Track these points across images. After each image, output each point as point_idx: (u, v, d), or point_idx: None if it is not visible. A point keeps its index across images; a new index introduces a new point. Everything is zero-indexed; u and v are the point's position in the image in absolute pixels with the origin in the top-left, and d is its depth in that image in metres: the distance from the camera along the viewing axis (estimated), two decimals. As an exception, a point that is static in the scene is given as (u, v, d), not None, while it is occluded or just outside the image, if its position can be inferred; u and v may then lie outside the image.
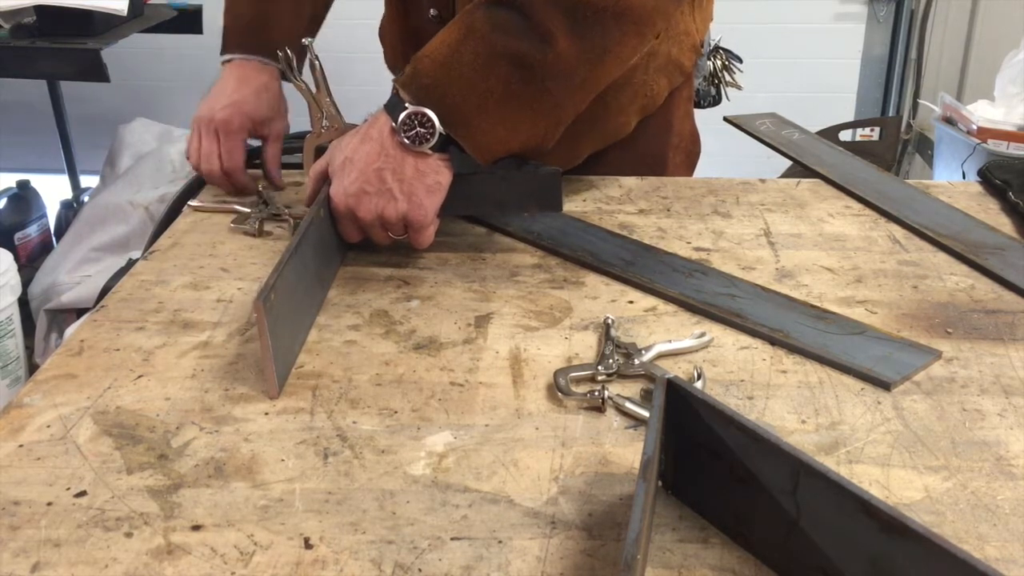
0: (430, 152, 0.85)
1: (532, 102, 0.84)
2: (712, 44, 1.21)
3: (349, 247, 0.95)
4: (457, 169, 0.93)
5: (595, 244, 0.94)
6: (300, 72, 1.01)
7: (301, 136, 1.10)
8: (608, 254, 0.92)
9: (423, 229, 0.88)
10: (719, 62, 1.22)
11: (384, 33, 1.24)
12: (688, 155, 1.21)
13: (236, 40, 1.08)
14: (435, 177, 0.86)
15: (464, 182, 0.93)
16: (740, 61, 1.23)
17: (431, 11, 1.05)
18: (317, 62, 0.94)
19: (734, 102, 1.25)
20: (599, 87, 0.88)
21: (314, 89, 0.96)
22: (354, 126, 0.98)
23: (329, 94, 0.96)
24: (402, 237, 0.89)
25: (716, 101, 1.26)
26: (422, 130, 0.84)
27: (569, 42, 0.82)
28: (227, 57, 1.08)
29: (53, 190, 2.99)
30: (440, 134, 0.84)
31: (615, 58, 0.86)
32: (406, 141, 0.84)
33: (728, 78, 1.24)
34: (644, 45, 0.88)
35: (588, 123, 1.02)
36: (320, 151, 1.00)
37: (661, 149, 1.17)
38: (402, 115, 0.84)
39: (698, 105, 1.23)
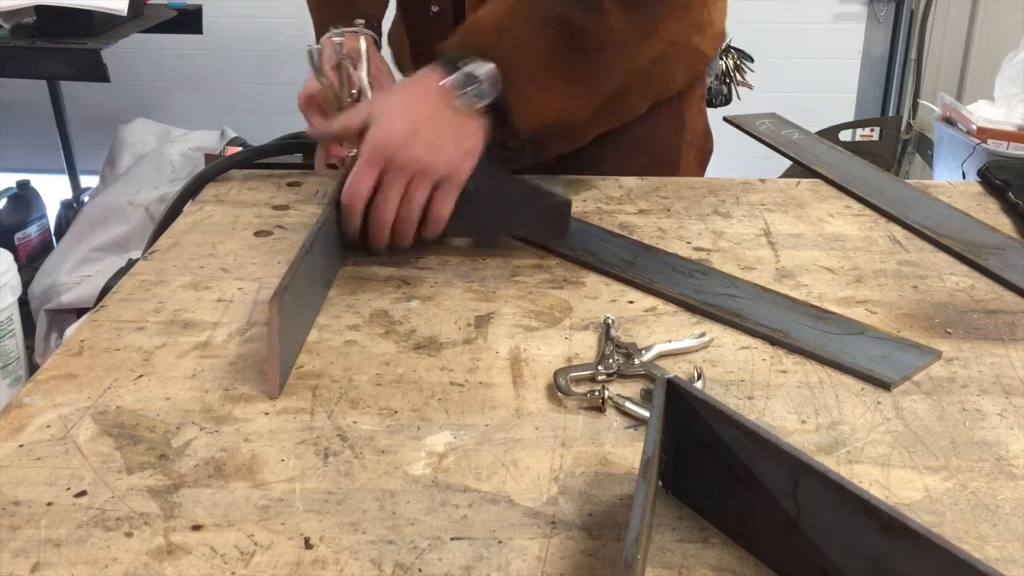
0: (475, 115, 0.85)
1: (575, 71, 0.85)
2: (725, 43, 1.22)
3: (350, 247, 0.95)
4: (469, 188, 0.92)
5: (595, 244, 0.94)
6: (360, 64, 0.99)
7: (299, 136, 1.09)
8: (608, 254, 0.92)
9: (450, 192, 0.86)
10: (731, 61, 1.23)
11: (392, 35, 1.24)
12: (701, 153, 1.22)
13: (333, 20, 1.07)
14: (473, 141, 0.86)
15: (474, 202, 0.91)
16: (751, 60, 1.23)
17: (432, 7, 1.05)
18: (345, 61, 0.94)
19: (733, 102, 1.26)
20: (638, 65, 0.90)
21: (337, 87, 0.96)
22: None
23: (350, 95, 0.96)
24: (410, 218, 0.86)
25: (727, 100, 1.27)
26: (476, 90, 0.84)
27: (620, 14, 0.83)
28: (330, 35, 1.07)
29: (53, 190, 2.99)
30: (491, 100, 0.84)
31: (659, 36, 0.88)
32: (457, 101, 0.84)
33: (740, 77, 1.24)
34: (677, 29, 0.89)
35: (606, 102, 1.03)
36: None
37: (674, 146, 1.17)
38: (457, 74, 0.84)
39: (710, 104, 1.24)
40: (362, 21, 1.00)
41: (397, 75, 1.25)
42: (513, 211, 0.92)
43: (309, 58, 0.95)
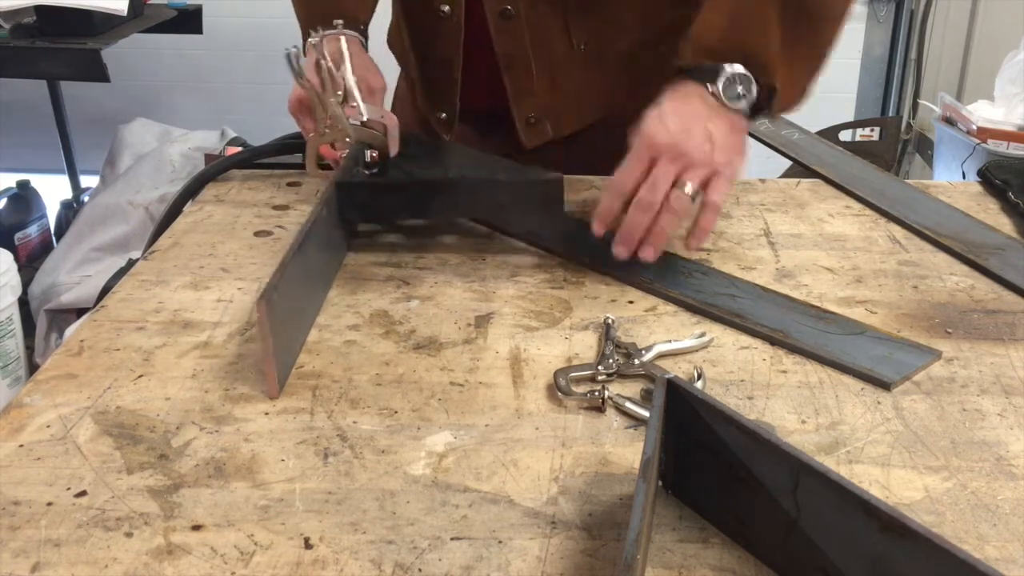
0: (744, 112, 0.86)
1: (807, 39, 0.88)
2: None
3: (349, 247, 0.95)
4: (461, 172, 0.92)
5: (595, 244, 0.94)
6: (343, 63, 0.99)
7: (298, 136, 1.10)
8: (608, 254, 0.92)
9: (722, 185, 0.85)
10: None
11: (393, 40, 1.24)
12: None
13: (316, 20, 1.07)
14: (741, 137, 0.87)
15: (467, 185, 0.93)
16: None
17: (443, 8, 1.05)
18: (324, 62, 0.94)
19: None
20: (849, 11, 0.92)
21: (319, 89, 0.95)
22: (356, 127, 0.97)
23: (334, 95, 0.96)
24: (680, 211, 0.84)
25: None
26: (740, 88, 0.86)
27: None
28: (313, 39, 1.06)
29: (53, 190, 2.99)
30: (757, 91, 0.86)
31: None
32: (727, 102, 0.86)
33: None
34: None
35: (615, 78, 1.07)
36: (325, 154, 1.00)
37: None
38: (723, 77, 0.85)
39: None
40: (340, 22, 1.00)
41: (394, 75, 1.25)
42: (507, 191, 0.92)
43: (287, 61, 0.95)
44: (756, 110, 0.88)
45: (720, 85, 0.86)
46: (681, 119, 0.85)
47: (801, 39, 0.88)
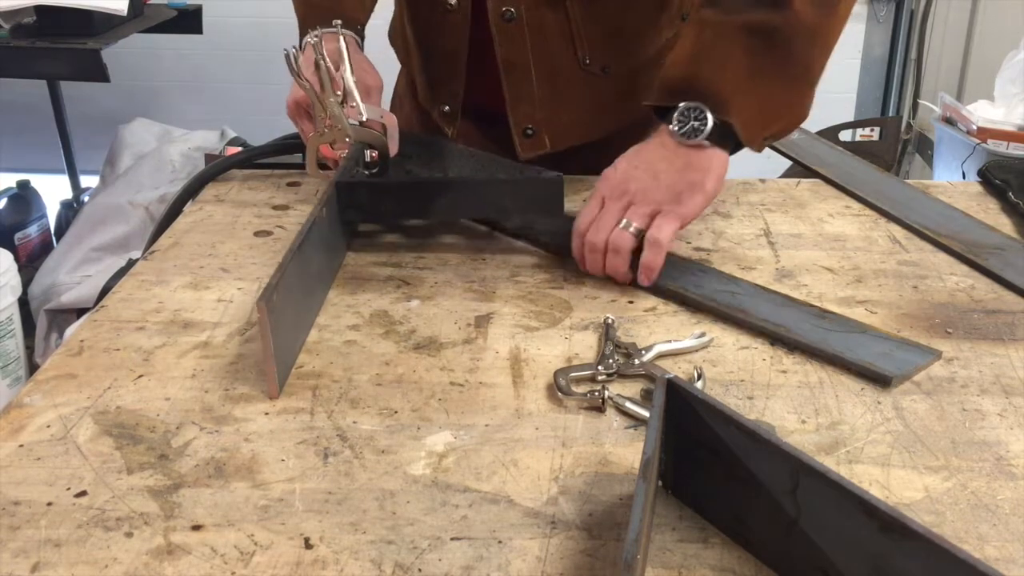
0: (706, 144, 0.86)
1: (780, 68, 0.87)
2: None
3: (349, 247, 0.95)
4: (460, 172, 0.92)
5: None
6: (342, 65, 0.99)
7: (297, 136, 1.09)
8: None
9: (670, 220, 0.85)
10: None
11: (395, 34, 1.23)
12: None
13: (313, 20, 1.06)
14: (700, 175, 0.86)
15: (467, 185, 0.93)
16: None
17: (450, 1, 1.05)
18: (322, 61, 0.94)
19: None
20: (836, 41, 0.90)
21: (318, 89, 0.95)
22: (355, 127, 0.97)
23: (333, 94, 0.96)
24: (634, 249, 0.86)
25: None
26: (696, 123, 0.86)
27: (804, 1, 0.85)
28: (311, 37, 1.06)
29: (53, 190, 2.99)
30: (712, 124, 0.85)
31: (846, 6, 0.89)
32: (680, 136, 0.86)
33: None
34: None
35: (615, 96, 1.07)
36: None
37: None
38: (675, 114, 0.86)
39: None
40: (339, 21, 1.00)
41: (392, 73, 1.25)
42: (508, 192, 0.92)
43: (287, 61, 0.95)
44: (723, 144, 0.87)
45: (675, 123, 0.86)
46: (631, 161, 0.88)
47: (777, 64, 0.87)
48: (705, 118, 0.85)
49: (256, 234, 0.99)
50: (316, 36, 0.97)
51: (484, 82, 1.08)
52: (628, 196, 0.86)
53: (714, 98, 0.85)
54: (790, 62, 0.87)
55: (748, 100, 0.86)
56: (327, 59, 0.94)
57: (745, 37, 0.85)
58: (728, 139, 0.87)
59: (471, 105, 1.12)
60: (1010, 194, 1.07)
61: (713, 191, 0.87)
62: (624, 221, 0.85)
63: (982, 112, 2.57)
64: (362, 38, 1.08)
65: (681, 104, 0.86)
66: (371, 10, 1.13)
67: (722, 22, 0.87)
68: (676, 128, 0.86)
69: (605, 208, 0.87)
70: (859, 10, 3.35)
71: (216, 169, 1.14)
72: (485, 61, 1.06)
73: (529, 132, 1.09)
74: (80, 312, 2.25)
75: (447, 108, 1.13)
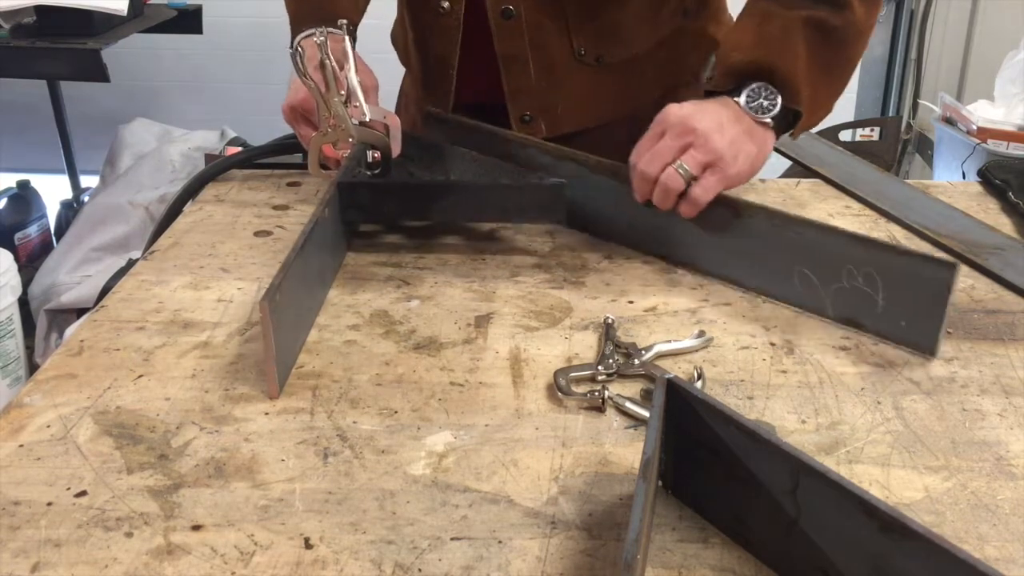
0: (770, 123, 0.88)
1: (832, 64, 0.91)
2: None
3: (350, 247, 0.95)
4: (463, 175, 0.92)
5: (629, 212, 0.93)
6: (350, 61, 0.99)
7: (295, 136, 1.09)
8: (643, 223, 0.93)
9: (717, 176, 0.85)
10: None
11: (396, 36, 1.24)
12: None
13: (305, 18, 1.07)
14: (754, 147, 0.87)
15: (470, 190, 0.93)
16: None
17: (443, 4, 1.06)
18: (328, 61, 0.94)
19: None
20: (865, 48, 0.94)
21: (323, 88, 0.95)
22: (359, 127, 0.97)
23: (338, 94, 0.96)
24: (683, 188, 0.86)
25: None
26: (765, 102, 0.88)
27: (859, 3, 0.89)
28: (303, 35, 1.06)
29: (53, 190, 2.99)
30: (780, 107, 0.87)
31: (875, 18, 0.94)
32: (750, 112, 0.87)
33: None
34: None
35: (610, 85, 1.08)
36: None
37: None
38: (745, 90, 0.87)
39: None
40: (344, 22, 1.00)
41: (396, 74, 1.25)
42: (511, 196, 0.92)
43: (293, 60, 0.95)
44: (779, 129, 0.89)
45: (743, 97, 0.88)
46: (697, 105, 0.88)
47: (826, 61, 0.90)
48: (776, 100, 0.87)
49: (256, 234, 0.99)
50: (322, 36, 0.97)
51: (478, 81, 1.09)
52: (691, 136, 0.86)
53: (790, 87, 0.88)
54: (841, 59, 0.91)
55: (807, 89, 0.89)
56: (332, 58, 0.94)
57: (810, 31, 0.88)
58: (784, 126, 0.89)
59: (462, 104, 1.13)
60: (1010, 194, 1.07)
61: (759, 167, 0.89)
62: (679, 163, 0.85)
63: (982, 112, 2.56)
64: (354, 38, 1.08)
65: (748, 85, 0.88)
66: (364, 10, 1.14)
67: (786, 15, 0.89)
68: (745, 102, 0.88)
69: (664, 140, 0.87)
70: (859, 10, 3.35)
71: (216, 169, 1.14)
72: (479, 62, 1.07)
73: (526, 118, 1.10)
74: (80, 312, 2.24)
75: (438, 110, 1.14)
